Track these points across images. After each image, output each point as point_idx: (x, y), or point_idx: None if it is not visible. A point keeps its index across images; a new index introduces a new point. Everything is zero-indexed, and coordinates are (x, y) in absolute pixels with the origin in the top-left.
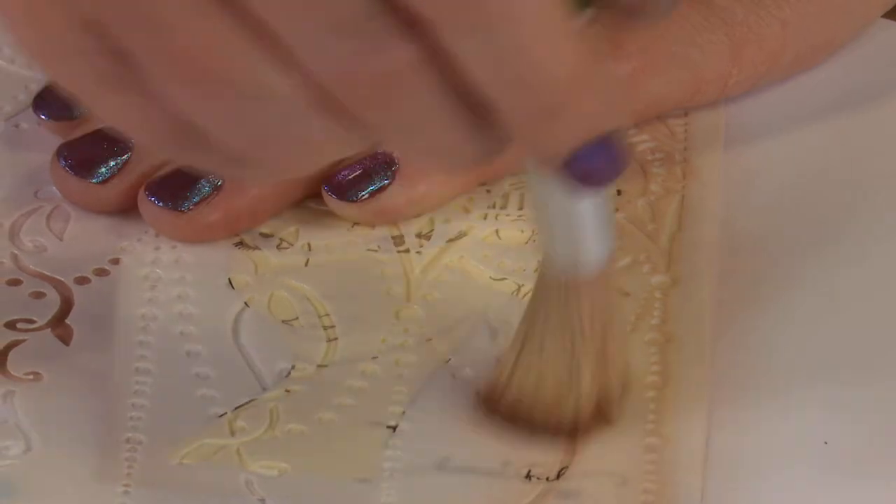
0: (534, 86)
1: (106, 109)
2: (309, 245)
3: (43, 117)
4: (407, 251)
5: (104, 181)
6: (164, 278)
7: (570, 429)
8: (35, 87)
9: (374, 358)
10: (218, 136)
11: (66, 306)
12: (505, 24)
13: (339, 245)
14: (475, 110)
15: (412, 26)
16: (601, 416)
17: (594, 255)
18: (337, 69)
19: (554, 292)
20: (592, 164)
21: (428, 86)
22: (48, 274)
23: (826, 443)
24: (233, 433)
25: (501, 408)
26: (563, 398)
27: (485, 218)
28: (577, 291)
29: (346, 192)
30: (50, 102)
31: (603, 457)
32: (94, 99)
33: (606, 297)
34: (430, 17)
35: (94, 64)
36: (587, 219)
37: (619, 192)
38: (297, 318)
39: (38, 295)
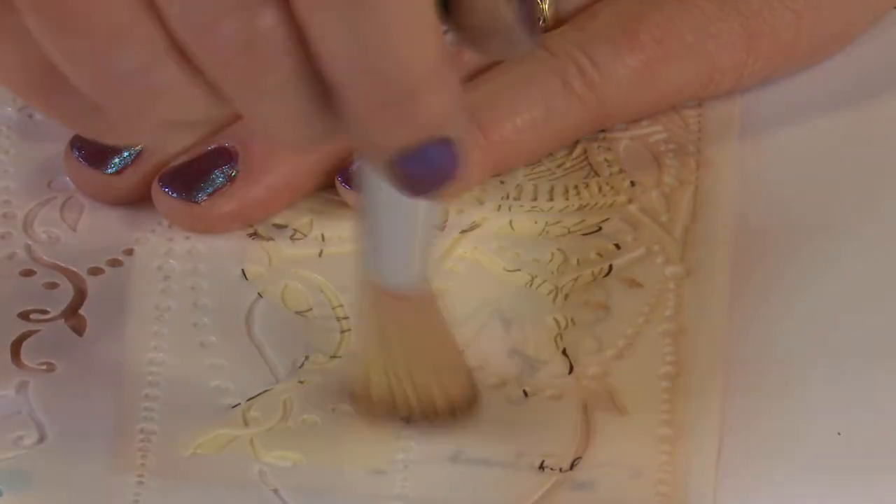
0: (384, 73)
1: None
2: (323, 236)
3: None
4: None
5: (117, 172)
6: (178, 269)
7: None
8: None
9: None
10: (75, 76)
11: (80, 297)
12: (368, 4)
13: (353, 236)
14: (321, 89)
15: None
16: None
17: (402, 268)
18: (196, 22)
19: (368, 297)
20: (421, 168)
21: (282, 55)
22: (62, 265)
23: (839, 433)
24: (246, 424)
25: (364, 403)
26: (390, 404)
27: (498, 209)
28: (387, 302)
29: None
30: None
31: (617, 448)
32: None
33: (423, 316)
34: None
35: None
36: (404, 228)
37: (632, 184)
38: (310, 310)
39: (52, 286)
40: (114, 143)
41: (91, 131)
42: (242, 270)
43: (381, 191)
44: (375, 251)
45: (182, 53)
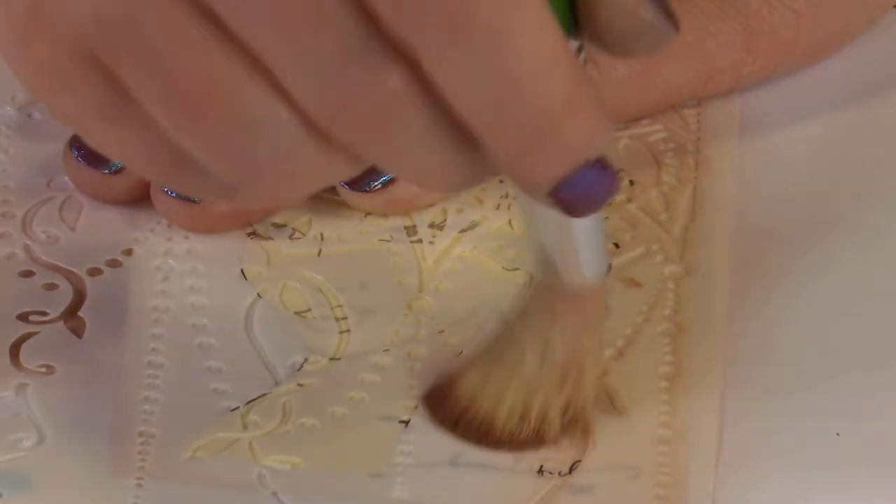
0: (522, 114)
1: (100, 139)
2: (321, 235)
3: None
4: (419, 241)
5: (117, 172)
6: (177, 269)
7: (527, 443)
8: None
9: (387, 350)
10: (212, 165)
11: (79, 298)
12: (492, 50)
13: (352, 235)
14: (463, 136)
15: (401, 54)
16: (574, 434)
17: (587, 272)
18: (329, 98)
19: (539, 305)
20: (581, 191)
21: (417, 111)
22: (61, 265)
23: (838, 434)
24: (245, 427)
25: (448, 411)
26: (526, 411)
27: (497, 208)
28: (565, 307)
29: (359, 182)
30: None
31: (615, 450)
32: (88, 129)
33: (594, 315)
34: (413, 43)
35: (86, 95)
36: (578, 237)
37: (631, 183)
38: (309, 310)
39: (51, 287)
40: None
41: (230, 201)
42: (241, 270)
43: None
44: (554, 256)
45: (317, 130)
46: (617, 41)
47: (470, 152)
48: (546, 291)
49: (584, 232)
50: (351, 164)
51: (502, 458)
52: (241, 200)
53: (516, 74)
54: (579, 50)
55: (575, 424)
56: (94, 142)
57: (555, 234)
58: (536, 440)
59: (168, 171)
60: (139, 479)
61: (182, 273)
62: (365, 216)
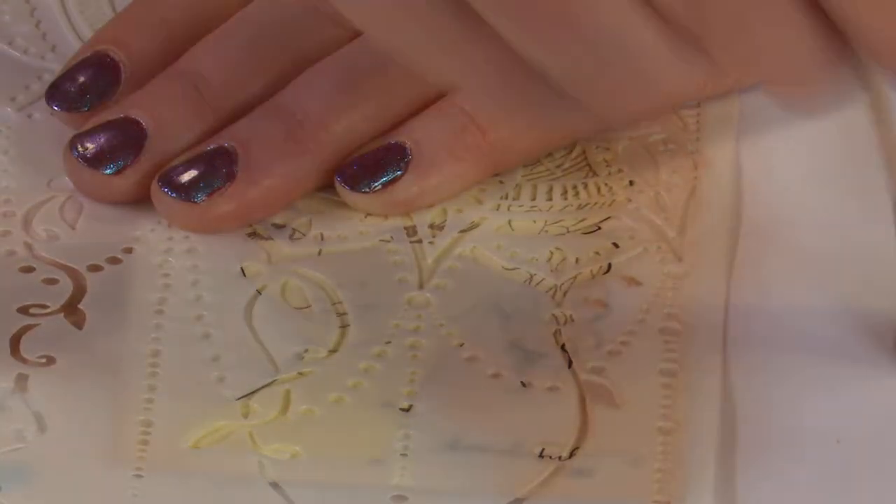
0: None
1: (444, 69)
2: (322, 235)
3: (56, 108)
4: (419, 242)
5: (117, 172)
6: (177, 267)
7: None
8: (48, 78)
9: (388, 342)
10: (563, 81)
11: (80, 292)
12: None
13: (352, 235)
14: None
15: None
16: None
17: None
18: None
19: None
20: None
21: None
22: (61, 262)
23: (839, 441)
24: (245, 416)
25: None
26: None
27: (497, 208)
28: None
29: (359, 183)
30: (63, 93)
31: (616, 437)
32: (433, 60)
33: None
34: None
35: (435, 24)
36: None
37: (631, 183)
38: (309, 306)
39: (51, 281)
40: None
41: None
42: (241, 269)
43: None
44: None
45: (670, 32)
46: None
47: (818, 31)
48: None
49: None
50: (700, 67)
51: (503, 442)
52: (594, 113)
53: None
54: None
55: None
56: (437, 70)
57: None
58: None
59: (511, 86)
60: (139, 469)
61: (182, 270)
62: (365, 216)
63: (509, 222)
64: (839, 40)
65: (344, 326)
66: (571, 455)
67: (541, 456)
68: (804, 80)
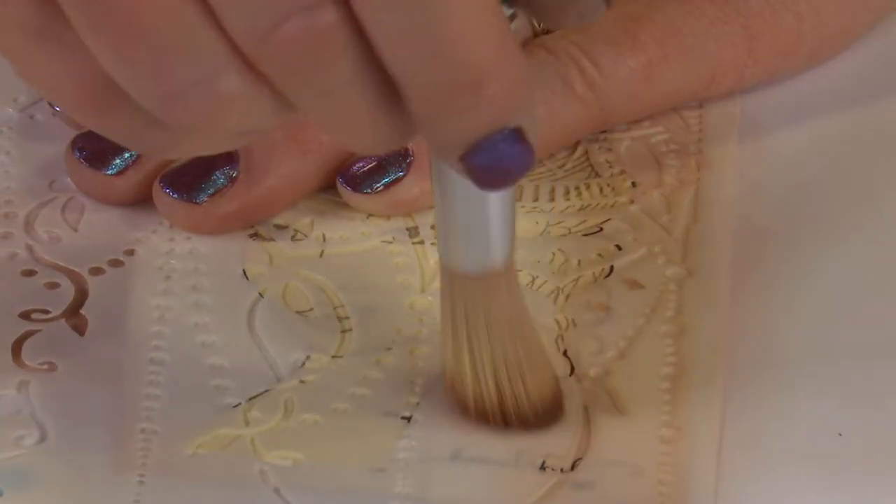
0: (446, 63)
1: (29, 67)
2: (324, 236)
3: (57, 108)
4: (422, 242)
5: (119, 173)
6: (179, 269)
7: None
8: None
9: (389, 349)
10: (135, 91)
11: (81, 297)
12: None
13: (354, 236)
14: (388, 90)
15: None
16: (541, 411)
17: (494, 251)
18: (258, 22)
19: (451, 284)
20: (494, 159)
21: (344, 52)
22: (63, 265)
23: (840, 434)
24: (247, 423)
25: (459, 399)
26: (485, 394)
27: None
28: (473, 287)
29: (361, 183)
30: None
31: (618, 448)
32: (17, 57)
33: (507, 298)
34: None
35: (17, 14)
36: (485, 214)
37: (633, 184)
38: (311, 309)
39: (53, 285)
40: (172, 157)
41: (148, 147)
42: (243, 270)
43: (455, 181)
44: (450, 235)
45: (245, 60)
46: (548, 11)
47: (392, 110)
48: (455, 277)
49: (494, 208)
50: (276, 105)
51: (504, 454)
52: (166, 141)
53: (446, 27)
54: (512, 17)
55: (549, 403)
56: (22, 69)
57: (465, 210)
58: (522, 419)
59: (94, 105)
60: (141, 475)
61: (184, 273)
62: (367, 217)
63: None
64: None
65: (345, 331)
66: (573, 467)
67: (542, 468)
68: (375, 149)
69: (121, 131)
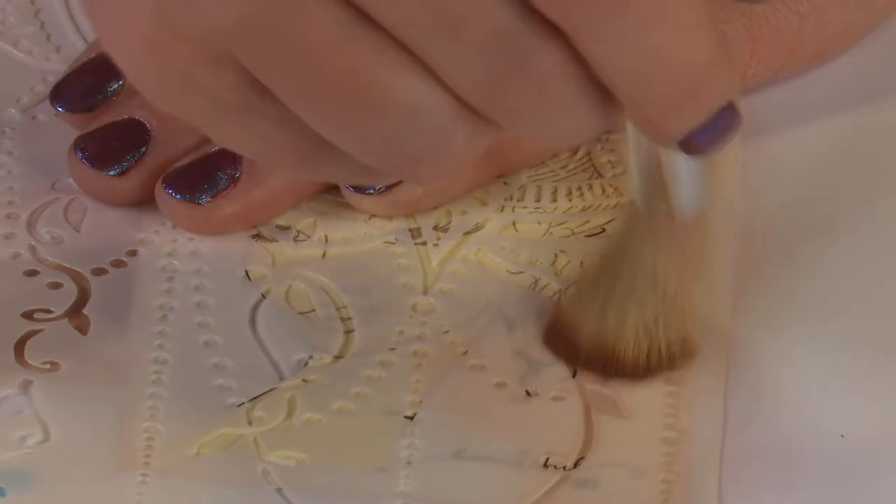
0: (669, 80)
1: (229, 137)
2: (326, 237)
3: (60, 109)
4: (424, 243)
5: (121, 173)
6: (182, 270)
7: (652, 370)
8: (52, 79)
9: (392, 349)
10: (365, 157)
11: (84, 296)
12: (647, 24)
13: (357, 237)
14: (602, 95)
15: (553, 32)
16: (679, 356)
17: (690, 202)
18: (486, 81)
19: (641, 234)
20: (713, 136)
21: (570, 86)
22: (65, 265)
23: (842, 436)
24: (250, 423)
25: (571, 346)
26: (637, 336)
27: (501, 210)
28: (668, 235)
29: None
30: (67, 94)
31: (620, 448)
32: (219, 129)
33: (696, 244)
34: (568, 23)
35: (219, 96)
36: (685, 169)
37: None
38: (314, 311)
39: (56, 285)
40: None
41: (366, 183)
42: (246, 271)
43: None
44: (661, 187)
45: (472, 110)
46: None
47: (606, 110)
48: (648, 221)
49: (690, 165)
50: (495, 134)
51: (507, 452)
52: (379, 180)
53: (668, 43)
54: None
55: (687, 350)
56: (223, 139)
57: (662, 166)
58: (661, 366)
59: (308, 161)
60: (144, 475)
61: (187, 273)
62: (369, 218)
63: (514, 224)
64: (613, 106)
65: (348, 332)
66: (576, 465)
67: (545, 466)
68: (578, 140)
69: (338, 177)
